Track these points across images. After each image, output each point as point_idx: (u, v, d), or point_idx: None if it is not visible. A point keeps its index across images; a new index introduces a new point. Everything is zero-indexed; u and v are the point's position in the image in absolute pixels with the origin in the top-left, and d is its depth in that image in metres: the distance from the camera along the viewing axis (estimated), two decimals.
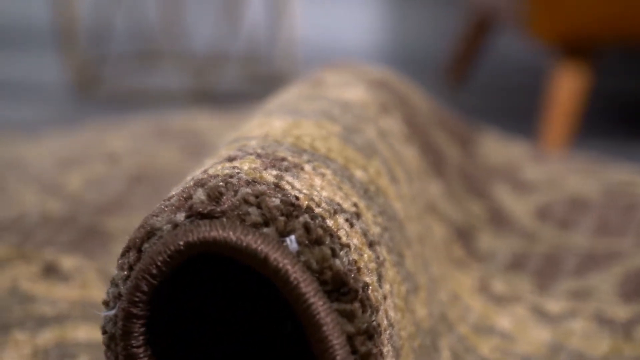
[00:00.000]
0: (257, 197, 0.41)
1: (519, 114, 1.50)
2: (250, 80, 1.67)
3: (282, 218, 0.40)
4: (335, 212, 0.43)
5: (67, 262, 0.72)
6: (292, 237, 0.40)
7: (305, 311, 0.39)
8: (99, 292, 0.70)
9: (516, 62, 1.83)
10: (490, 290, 0.63)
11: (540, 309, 0.62)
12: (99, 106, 1.54)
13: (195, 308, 0.44)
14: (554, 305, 0.62)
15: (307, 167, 0.47)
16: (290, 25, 1.71)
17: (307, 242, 0.40)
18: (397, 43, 2.06)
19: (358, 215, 0.45)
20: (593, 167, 0.85)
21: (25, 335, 0.63)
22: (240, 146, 0.48)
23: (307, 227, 0.41)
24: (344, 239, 0.42)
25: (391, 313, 0.43)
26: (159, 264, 0.39)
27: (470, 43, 1.64)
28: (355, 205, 0.46)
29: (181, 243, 0.39)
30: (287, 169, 0.45)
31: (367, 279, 0.42)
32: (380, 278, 0.43)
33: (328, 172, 0.48)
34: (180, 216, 0.40)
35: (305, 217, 0.41)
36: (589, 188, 0.80)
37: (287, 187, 0.43)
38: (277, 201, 0.41)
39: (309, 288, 0.39)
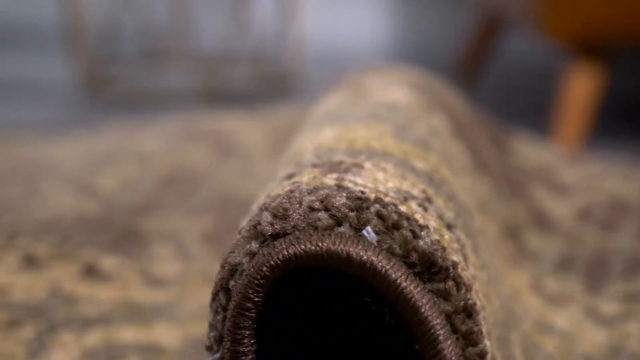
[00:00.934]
0: (322, 201, 0.41)
1: (529, 114, 1.50)
2: (259, 80, 1.67)
3: (352, 213, 0.40)
4: (406, 199, 0.43)
5: (107, 262, 0.71)
6: (368, 227, 0.39)
7: (399, 296, 0.38)
8: (141, 293, 0.69)
9: (526, 62, 1.84)
10: (543, 289, 0.63)
11: (594, 311, 0.61)
12: (109, 106, 1.53)
13: (292, 322, 0.44)
14: (608, 307, 0.62)
15: (367, 165, 0.46)
16: (300, 25, 1.70)
17: (384, 229, 0.40)
18: (406, 42, 2.06)
19: (429, 200, 0.45)
20: (629, 170, 0.85)
21: (72, 337, 0.63)
22: (296, 163, 0.48)
23: (380, 215, 0.40)
24: (421, 221, 0.41)
25: (480, 295, 0.43)
26: (250, 296, 0.39)
27: (480, 42, 1.64)
28: (424, 191, 0.46)
29: (264, 269, 0.39)
30: (346, 170, 0.45)
31: (455, 258, 0.41)
32: (465, 259, 0.43)
33: (389, 165, 0.47)
34: (255, 244, 0.40)
35: (376, 207, 0.41)
36: (628, 191, 0.79)
37: (350, 185, 0.43)
38: (342, 199, 0.41)
39: (398, 273, 0.39)
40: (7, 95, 1.58)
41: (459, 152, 0.64)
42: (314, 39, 1.83)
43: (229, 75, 1.66)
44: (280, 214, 0.40)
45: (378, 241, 0.39)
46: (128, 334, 0.64)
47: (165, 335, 0.66)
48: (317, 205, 0.40)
